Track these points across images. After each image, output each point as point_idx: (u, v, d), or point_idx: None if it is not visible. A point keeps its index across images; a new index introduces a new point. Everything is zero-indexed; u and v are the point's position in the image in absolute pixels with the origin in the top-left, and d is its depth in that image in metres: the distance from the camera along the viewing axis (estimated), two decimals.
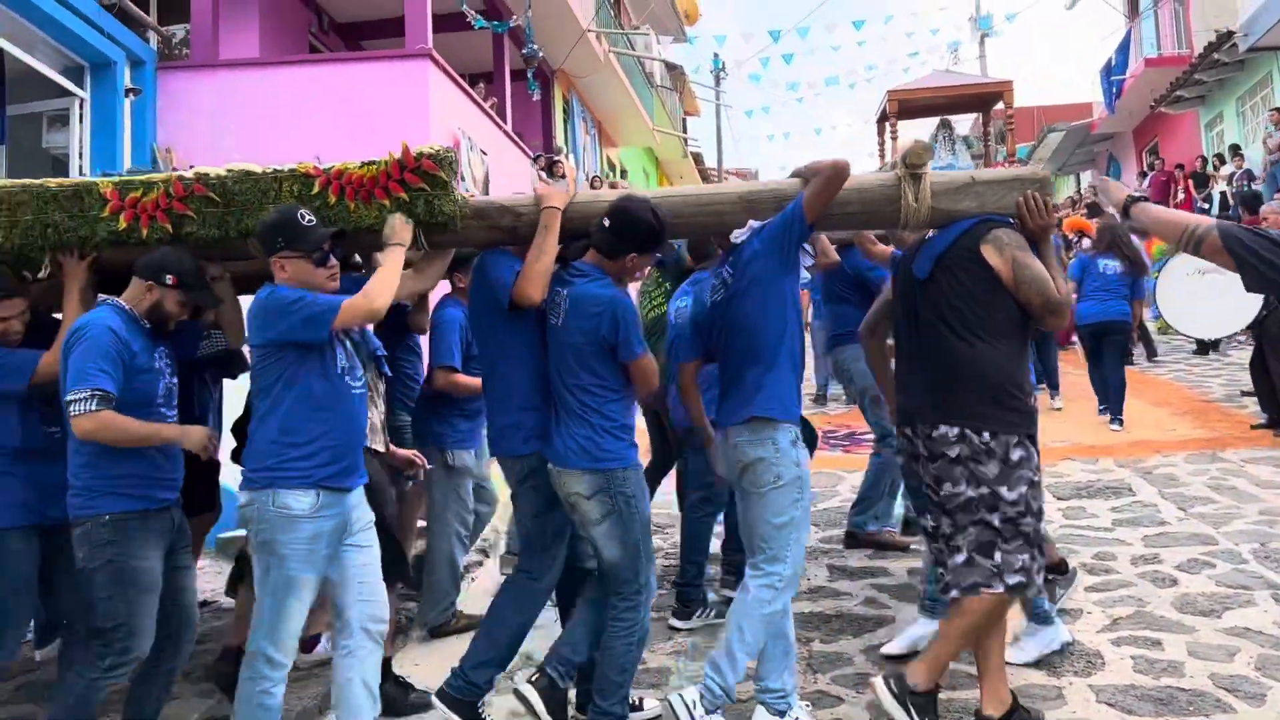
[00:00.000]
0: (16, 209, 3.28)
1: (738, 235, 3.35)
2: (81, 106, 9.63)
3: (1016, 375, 3.14)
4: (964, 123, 17.55)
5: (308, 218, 3.04)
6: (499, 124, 12.91)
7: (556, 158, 15.45)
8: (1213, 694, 3.41)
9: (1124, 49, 19.44)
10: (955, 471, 3.09)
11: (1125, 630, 4.00)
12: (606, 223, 3.25)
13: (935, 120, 12.32)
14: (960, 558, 3.09)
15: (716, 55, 28.17)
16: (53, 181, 3.33)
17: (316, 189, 3.23)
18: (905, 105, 11.66)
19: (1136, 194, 3.26)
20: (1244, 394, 8.52)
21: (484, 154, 11.76)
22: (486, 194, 11.54)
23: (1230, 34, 14.58)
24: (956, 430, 3.08)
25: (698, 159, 26.70)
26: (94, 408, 2.90)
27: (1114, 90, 19.85)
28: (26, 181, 3.34)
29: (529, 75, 13.54)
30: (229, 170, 3.28)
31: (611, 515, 3.19)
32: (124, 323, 3.07)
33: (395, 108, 10.27)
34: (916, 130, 19.28)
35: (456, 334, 4.20)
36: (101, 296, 3.37)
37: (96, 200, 3.27)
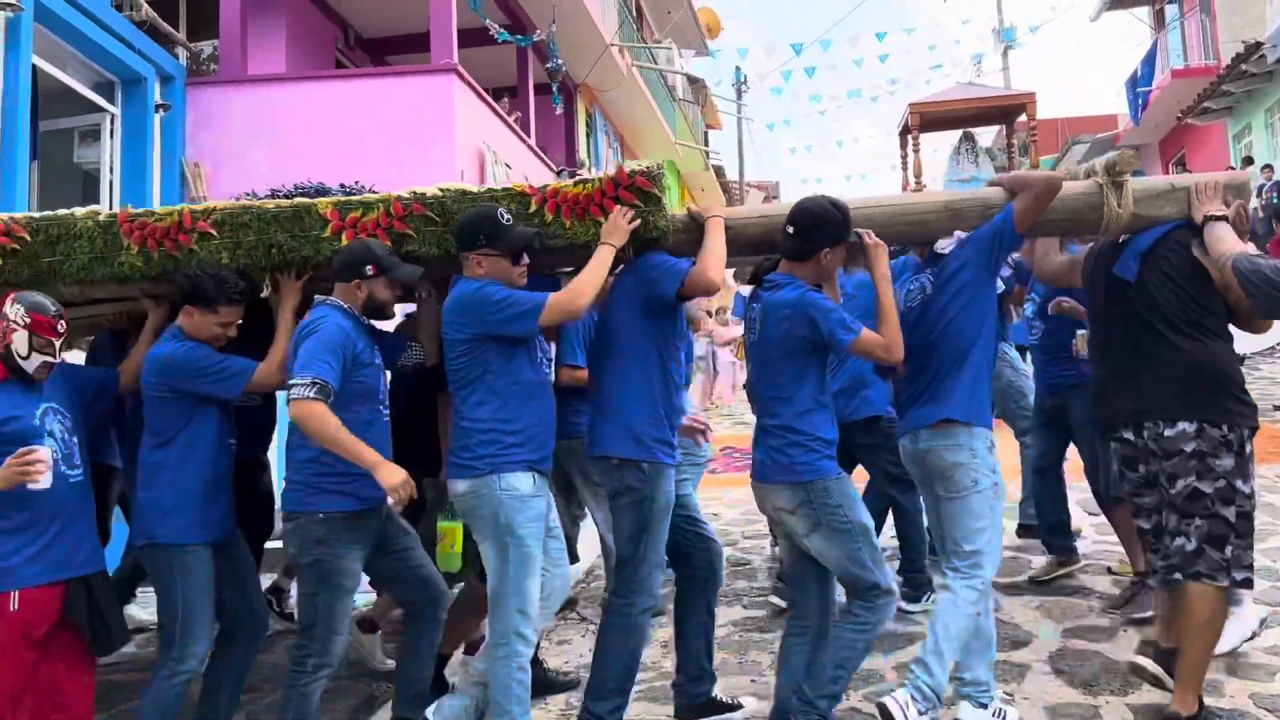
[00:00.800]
0: (239, 230, 3.40)
1: (943, 245, 3.43)
2: (112, 122, 9.76)
3: (1238, 370, 3.29)
4: (986, 135, 17.49)
5: (507, 217, 3.16)
6: (523, 138, 12.97)
7: (579, 171, 15.52)
8: (1253, 714, 3.35)
9: (1150, 60, 19.33)
10: (1190, 465, 3.17)
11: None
12: (791, 228, 3.25)
13: (957, 133, 12.29)
14: (1189, 545, 3.19)
15: (738, 68, 28.22)
16: (270, 203, 3.47)
17: (533, 207, 3.31)
18: (927, 118, 11.62)
19: (1215, 214, 3.28)
20: (1276, 408, 8.41)
21: (508, 167, 11.81)
22: None
23: (1258, 45, 14.46)
24: (1195, 426, 3.16)
25: (719, 172, 26.70)
26: (311, 395, 2.95)
27: (1140, 102, 19.74)
28: (246, 203, 3.48)
29: (553, 89, 13.60)
30: (443, 190, 3.41)
31: (820, 527, 3.16)
32: (349, 321, 3.18)
33: (421, 122, 10.34)
34: (938, 143, 19.21)
35: (579, 333, 4.00)
36: (318, 298, 3.43)
37: (316, 220, 3.39)
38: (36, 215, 3.49)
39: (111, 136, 9.77)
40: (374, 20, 13.23)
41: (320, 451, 3.05)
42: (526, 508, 3.07)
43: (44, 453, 2.92)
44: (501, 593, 3.08)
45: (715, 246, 3.29)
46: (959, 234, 3.41)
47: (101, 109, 9.56)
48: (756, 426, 3.32)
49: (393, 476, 2.94)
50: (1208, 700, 3.45)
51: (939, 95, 11.90)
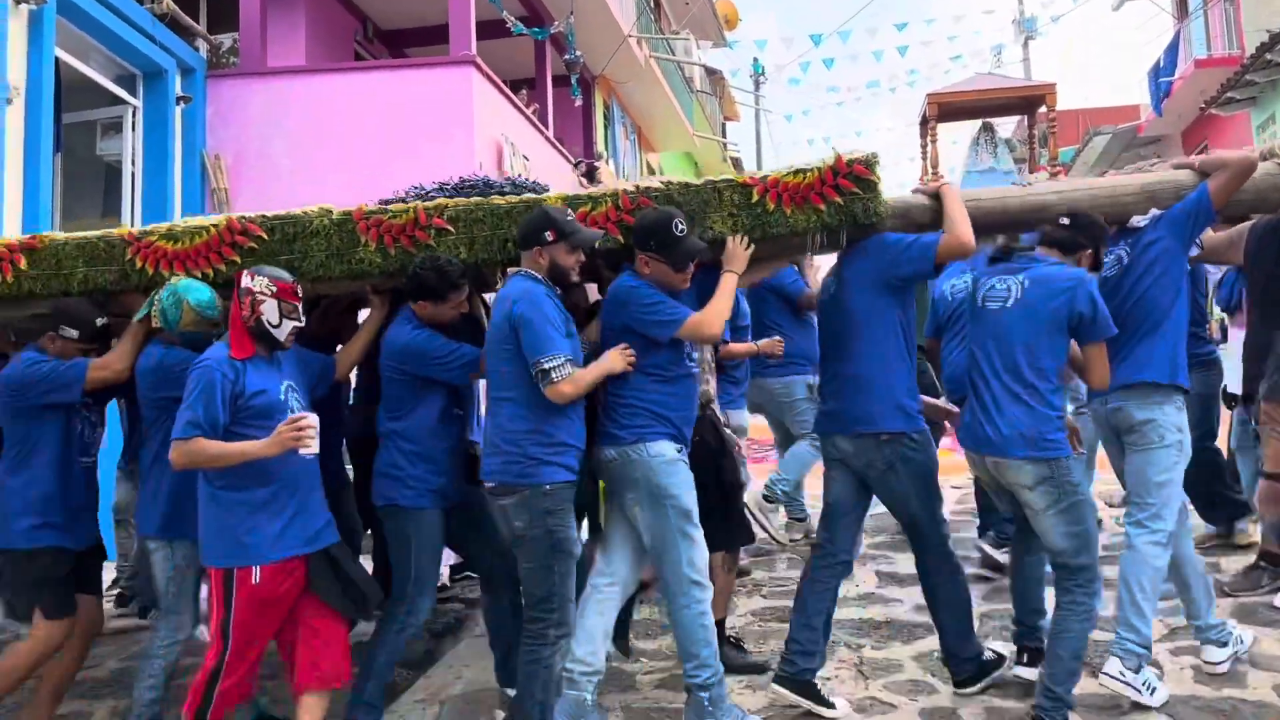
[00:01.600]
0: (473, 225, 3.52)
1: (1138, 220, 3.62)
2: (134, 114, 9.82)
3: None
4: (1005, 126, 17.36)
5: (681, 228, 3.28)
6: (541, 130, 12.97)
7: (596, 163, 15.52)
8: (1277, 705, 3.34)
9: (1172, 50, 19.12)
10: None
11: (1185, 640, 3.92)
12: (1067, 221, 3.44)
13: (976, 123, 12.19)
14: None
15: (756, 60, 28.11)
16: (499, 199, 3.58)
17: (755, 197, 3.44)
18: (945, 108, 11.52)
19: None
20: None
21: (526, 159, 11.82)
22: None
23: None
24: None
25: (737, 164, 26.63)
26: (569, 372, 3.09)
27: (1162, 92, 19.54)
28: (478, 200, 3.58)
29: (571, 81, 13.60)
30: (667, 184, 3.52)
31: (1058, 504, 3.26)
32: (542, 287, 3.25)
33: (440, 113, 10.35)
34: (957, 133, 19.08)
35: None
36: (512, 270, 3.43)
37: None
38: (269, 214, 3.61)
39: (133, 129, 9.84)
40: (393, 13, 13.26)
41: (540, 422, 3.14)
42: (676, 468, 3.29)
43: (313, 419, 2.98)
44: (665, 549, 3.28)
45: (959, 212, 3.45)
46: (1154, 211, 3.60)
47: (123, 101, 9.62)
48: (982, 396, 3.39)
49: None
50: (1229, 692, 3.45)
51: (957, 86, 11.79)
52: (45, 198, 8.27)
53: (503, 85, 11.49)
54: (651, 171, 19.84)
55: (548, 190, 3.91)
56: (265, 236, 3.56)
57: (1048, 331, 3.28)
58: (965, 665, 3.59)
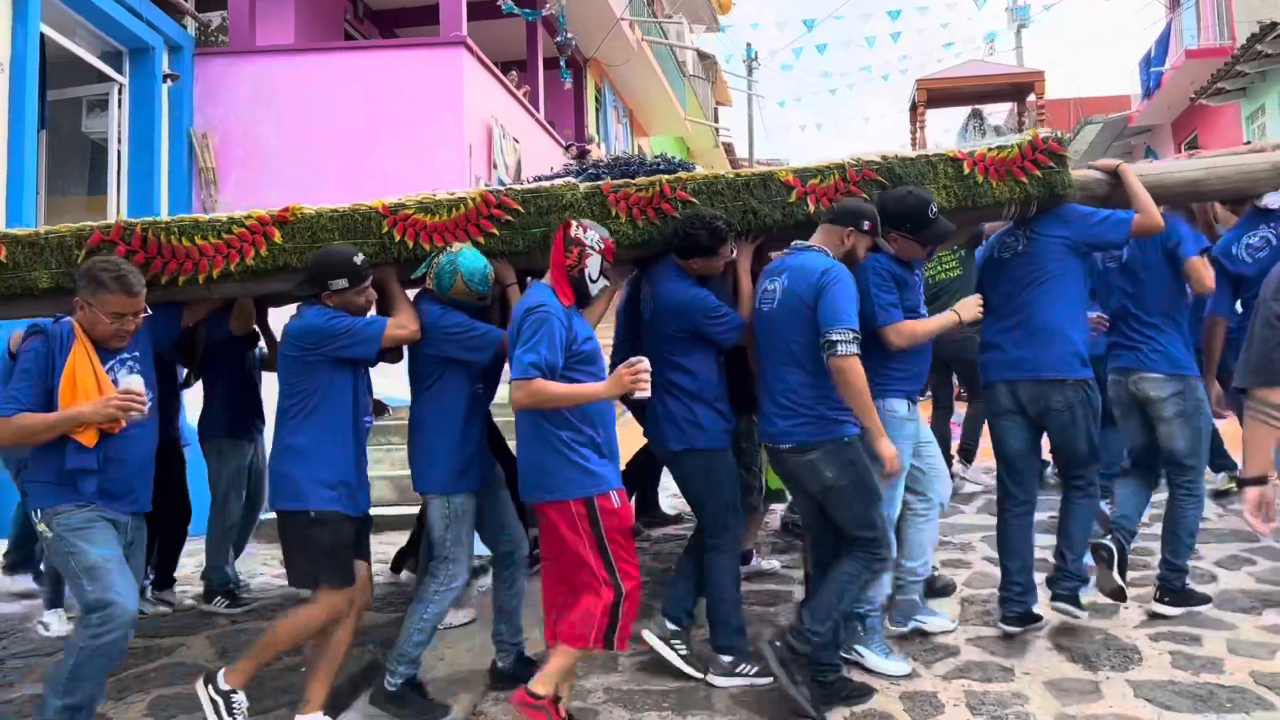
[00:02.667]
0: (714, 198, 3.70)
1: (1271, 200, 4.03)
2: (120, 92, 9.74)
3: None
4: (996, 115, 17.35)
5: (934, 210, 3.62)
6: (531, 112, 12.91)
7: (588, 146, 15.46)
8: (1254, 691, 3.36)
9: (1164, 40, 19.11)
10: None
11: (1163, 626, 3.96)
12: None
13: (967, 110, 12.19)
14: None
15: (749, 45, 28.05)
16: (733, 172, 3.76)
17: (966, 170, 3.78)
18: (935, 94, 11.53)
19: None
20: None
21: (516, 141, 11.77)
22: (519, 181, 11.56)
23: (1274, 25, 14.28)
24: None
25: (729, 149, 26.57)
26: (855, 349, 3.30)
27: (1152, 82, 19.55)
28: (718, 173, 3.77)
29: (562, 63, 13.52)
30: (886, 157, 3.82)
31: (1183, 414, 3.96)
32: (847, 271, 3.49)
33: (429, 94, 10.30)
34: (948, 120, 19.07)
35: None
36: (798, 243, 3.60)
37: (780, 187, 3.73)
38: (519, 187, 3.68)
39: (119, 106, 9.76)
40: None
41: (829, 386, 3.38)
42: (903, 427, 3.65)
43: (647, 363, 3.10)
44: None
45: (1144, 193, 3.85)
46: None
47: (109, 79, 9.54)
48: (1127, 326, 4.10)
49: None
50: (1207, 678, 3.48)
51: (947, 71, 11.80)
52: (29, 174, 8.20)
53: (493, 67, 11.42)
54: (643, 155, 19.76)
55: (693, 169, 4.09)
56: (520, 209, 3.61)
57: (1177, 275, 4.01)
58: (1071, 584, 3.96)
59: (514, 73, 12.93)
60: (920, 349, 3.78)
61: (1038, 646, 3.84)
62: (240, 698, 3.30)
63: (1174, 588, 4.04)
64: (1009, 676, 3.59)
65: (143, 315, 3.19)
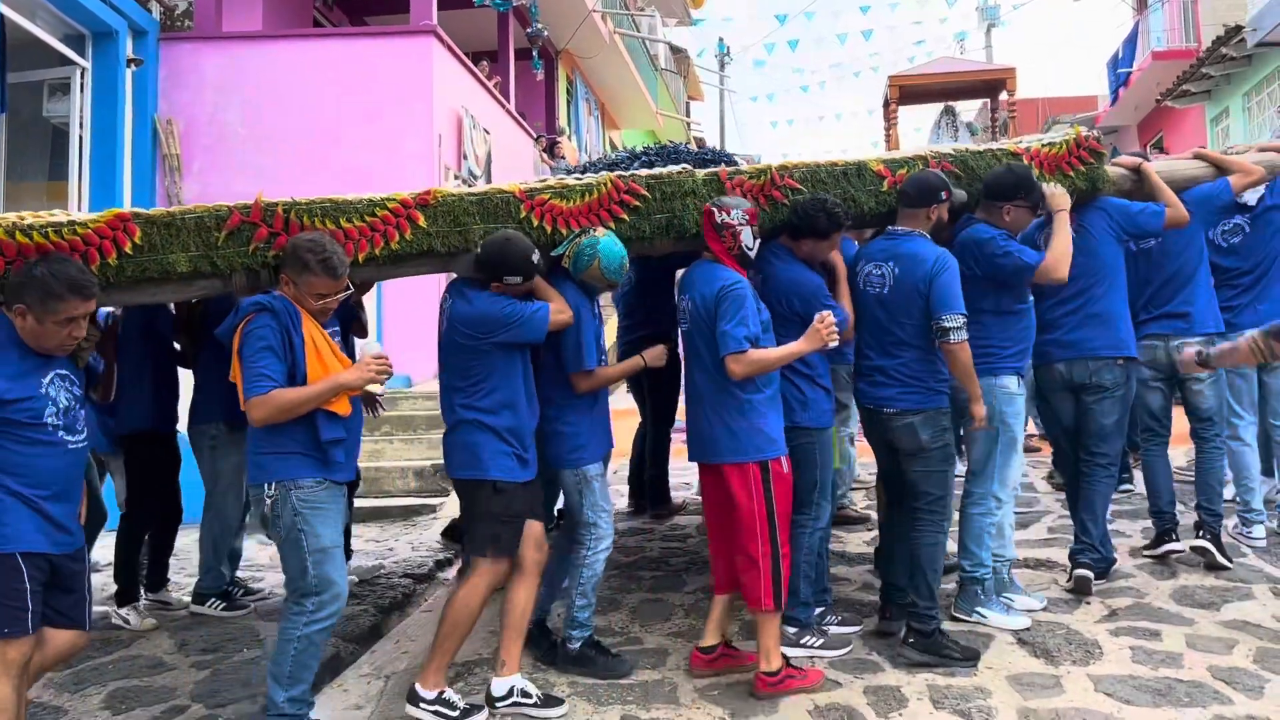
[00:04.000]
0: (817, 186, 3.86)
1: (1250, 197, 4.58)
2: (83, 76, 9.55)
3: None
4: (967, 111, 17.46)
5: (1038, 176, 3.98)
6: (502, 103, 12.83)
7: (558, 138, 15.39)
8: (1211, 685, 3.40)
9: (1131, 41, 19.34)
10: None
11: (1124, 621, 3.99)
12: None
13: (939, 106, 12.26)
14: None
15: (721, 39, 28.04)
16: (829, 161, 3.93)
17: (1026, 163, 4.05)
18: (907, 90, 11.57)
19: None
20: None
21: (487, 132, 11.69)
22: (488, 173, 11.49)
23: (1239, 29, 14.48)
24: None
25: (700, 144, 26.56)
26: (965, 335, 3.62)
27: (1120, 83, 19.76)
28: (819, 162, 3.92)
29: (533, 54, 13.45)
30: (959, 150, 4.14)
31: (1215, 375, 4.54)
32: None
33: (398, 83, 10.20)
34: (920, 121, 19.19)
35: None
36: (892, 229, 3.85)
37: (872, 176, 3.92)
38: (644, 173, 3.74)
39: (82, 90, 9.57)
40: None
41: (937, 365, 3.73)
42: (1013, 401, 3.99)
43: (832, 318, 3.51)
44: (988, 464, 4.02)
45: (1168, 189, 4.26)
46: None
47: (72, 62, 9.36)
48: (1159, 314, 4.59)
49: None
50: (1165, 672, 3.52)
51: (920, 68, 11.85)
52: None
53: (464, 56, 11.34)
54: (615, 149, 19.73)
55: (736, 161, 4.28)
56: (647, 195, 3.66)
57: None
58: (1095, 555, 4.33)
59: (485, 63, 12.84)
60: (1028, 326, 4.08)
61: (1000, 641, 3.86)
62: (451, 693, 3.33)
63: (1215, 531, 4.58)
64: (971, 671, 3.61)
65: (345, 293, 3.16)
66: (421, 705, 3.28)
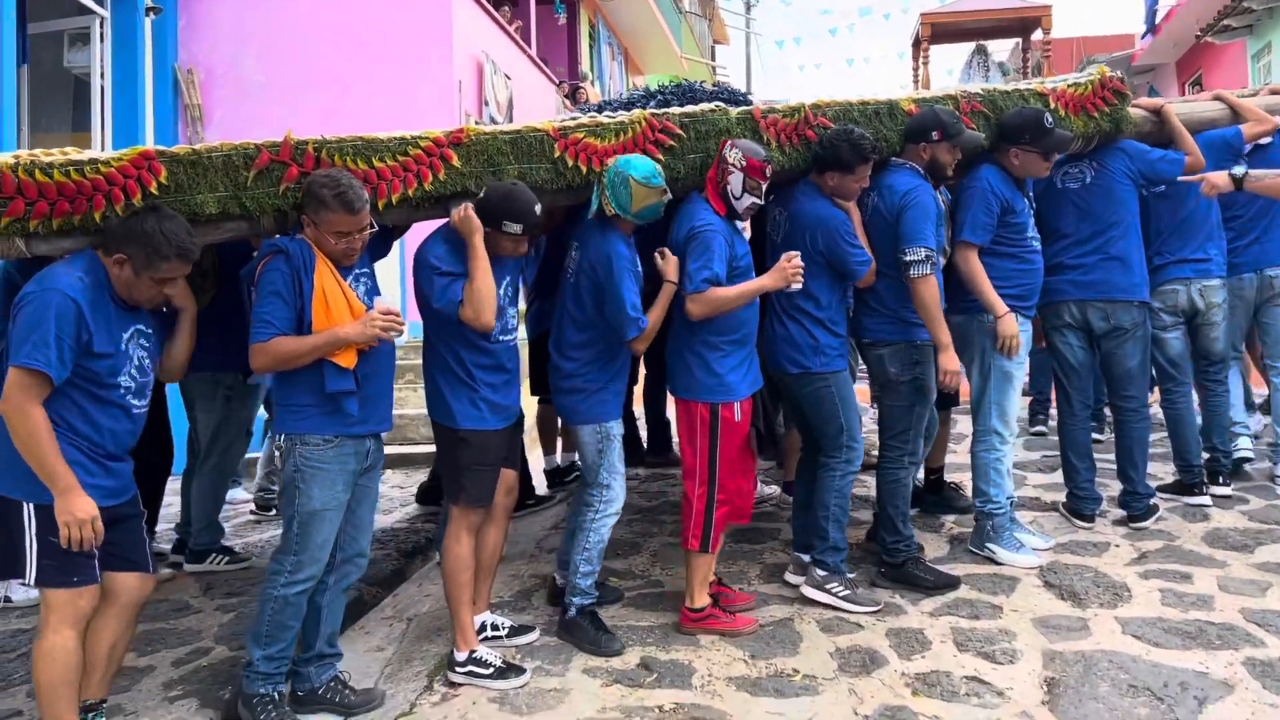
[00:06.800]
0: (858, 122, 3.79)
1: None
2: (102, 25, 9.48)
3: None
4: (999, 51, 17.01)
5: (1050, 121, 3.86)
6: (523, 48, 12.64)
7: (581, 84, 15.18)
8: (1243, 628, 3.34)
9: None
10: None
11: (1154, 564, 3.93)
12: None
13: (970, 47, 11.94)
14: None
15: None
16: (861, 100, 3.88)
17: (1051, 104, 4.00)
18: (939, 29, 11.26)
19: None
20: None
21: (508, 78, 11.54)
22: (510, 120, 11.35)
23: None
24: None
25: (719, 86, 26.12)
26: (927, 270, 3.60)
27: (1155, 19, 19.16)
28: (850, 101, 3.85)
29: None
30: (987, 90, 4.08)
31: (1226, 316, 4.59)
32: (929, 186, 3.75)
33: (418, 29, 10.06)
34: (951, 63, 18.73)
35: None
36: (895, 160, 3.82)
37: (903, 115, 3.86)
38: (677, 111, 3.63)
39: (101, 40, 9.51)
40: None
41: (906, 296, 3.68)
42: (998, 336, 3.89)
43: (800, 262, 3.48)
44: (982, 400, 4.03)
45: (1189, 136, 4.24)
46: None
47: (91, 11, 9.29)
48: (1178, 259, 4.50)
49: None
50: (1196, 615, 3.46)
51: (951, 5, 11.49)
52: (9, 111, 8.01)
53: (484, 1, 11.15)
54: None
55: (750, 100, 4.18)
56: (682, 134, 3.56)
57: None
58: (1142, 503, 4.35)
59: (505, 7, 12.62)
60: (1027, 265, 4.02)
61: (1026, 584, 3.81)
62: (483, 651, 3.29)
63: (1225, 468, 4.77)
64: (997, 614, 3.57)
65: (368, 232, 3.01)
66: (456, 669, 3.27)
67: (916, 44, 11.49)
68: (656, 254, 3.45)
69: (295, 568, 2.97)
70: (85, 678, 2.76)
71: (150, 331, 2.86)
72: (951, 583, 3.80)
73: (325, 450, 2.97)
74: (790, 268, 3.41)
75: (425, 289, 3.17)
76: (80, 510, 2.59)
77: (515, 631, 3.54)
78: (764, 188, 3.48)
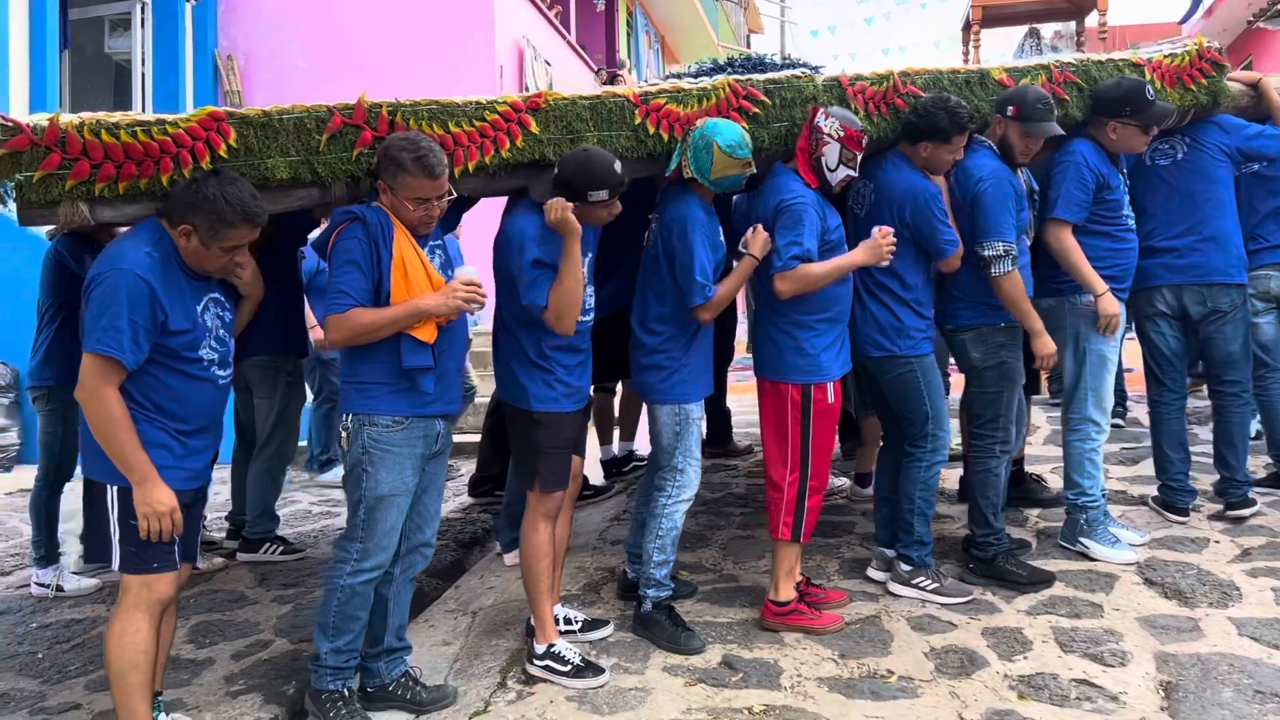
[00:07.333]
0: (948, 90, 3.62)
1: None
2: (143, 10, 9.44)
3: None
4: (1053, 36, 16.64)
5: (1151, 92, 3.66)
6: (563, 34, 12.50)
7: (618, 71, 15.00)
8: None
9: None
10: None
11: (1260, 560, 3.70)
12: None
13: (1019, 31, 11.64)
14: None
15: None
16: (951, 69, 3.74)
17: (1148, 75, 3.82)
18: (990, 13, 10.95)
19: None
20: None
21: (548, 64, 11.39)
22: None
23: None
24: None
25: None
26: (1007, 267, 3.45)
27: (1200, 3, 18.71)
28: (940, 69, 3.71)
29: None
30: (1080, 61, 3.89)
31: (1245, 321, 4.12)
32: (1000, 162, 3.55)
33: (459, 14, 9.93)
34: (1002, 40, 18.35)
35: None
36: (977, 139, 3.61)
37: (995, 85, 3.71)
38: (761, 78, 3.46)
39: (142, 26, 9.46)
40: None
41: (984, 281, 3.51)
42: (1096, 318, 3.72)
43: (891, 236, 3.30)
44: (1077, 387, 3.82)
45: None
46: None
47: None
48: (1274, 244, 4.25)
49: None
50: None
51: None
52: (52, 96, 7.96)
53: None
54: None
55: (819, 70, 3.96)
56: (767, 101, 3.39)
57: None
58: (1241, 490, 4.12)
59: None
60: (1122, 244, 3.81)
61: (1125, 582, 3.59)
62: (562, 645, 3.12)
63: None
64: (1098, 612, 3.36)
65: (446, 199, 2.83)
66: (534, 662, 3.11)
67: (967, 28, 11.20)
68: (750, 230, 3.27)
69: (361, 555, 2.82)
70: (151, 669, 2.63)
71: (224, 299, 2.72)
72: (1046, 579, 3.60)
73: (395, 432, 2.79)
74: (885, 243, 3.23)
75: (514, 269, 2.98)
76: (159, 501, 2.45)
77: (589, 626, 3.37)
78: (859, 159, 3.29)
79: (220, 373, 2.66)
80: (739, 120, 3.30)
